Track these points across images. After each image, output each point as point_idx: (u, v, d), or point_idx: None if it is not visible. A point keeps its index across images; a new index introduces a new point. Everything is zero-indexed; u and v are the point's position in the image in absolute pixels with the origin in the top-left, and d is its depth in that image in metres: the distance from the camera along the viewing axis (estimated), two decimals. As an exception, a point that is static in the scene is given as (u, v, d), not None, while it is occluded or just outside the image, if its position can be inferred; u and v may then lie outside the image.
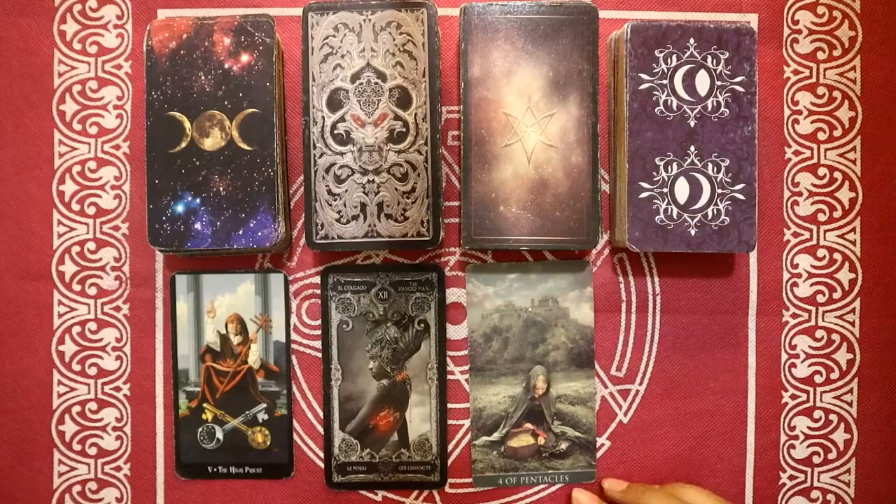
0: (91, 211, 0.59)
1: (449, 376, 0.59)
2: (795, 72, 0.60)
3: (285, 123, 0.59)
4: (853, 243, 0.60)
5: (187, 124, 0.55)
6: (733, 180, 0.55)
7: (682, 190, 0.55)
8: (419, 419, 0.59)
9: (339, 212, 0.55)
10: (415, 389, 0.59)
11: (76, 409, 0.59)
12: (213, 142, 0.55)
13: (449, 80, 0.59)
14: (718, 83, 0.55)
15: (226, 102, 0.55)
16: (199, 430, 0.59)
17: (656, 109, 0.55)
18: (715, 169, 0.55)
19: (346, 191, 0.55)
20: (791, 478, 0.60)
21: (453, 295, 0.59)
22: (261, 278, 0.59)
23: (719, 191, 0.55)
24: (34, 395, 0.59)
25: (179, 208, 0.55)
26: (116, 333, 0.59)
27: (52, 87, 0.59)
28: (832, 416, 0.60)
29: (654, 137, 0.55)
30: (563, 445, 0.59)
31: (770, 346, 0.60)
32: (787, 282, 0.60)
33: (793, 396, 0.60)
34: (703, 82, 0.55)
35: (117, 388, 0.59)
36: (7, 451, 0.59)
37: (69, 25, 0.59)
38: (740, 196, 0.55)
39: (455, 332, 0.59)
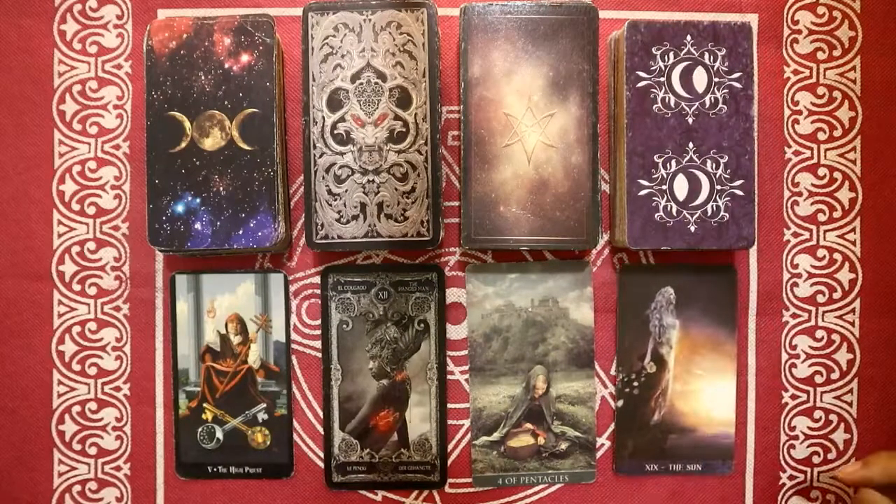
0: (91, 211, 0.59)
1: (449, 376, 0.59)
2: (795, 72, 0.60)
3: (285, 123, 0.59)
4: (853, 243, 0.60)
5: (187, 124, 0.55)
6: (732, 176, 0.55)
7: (681, 187, 0.55)
8: (419, 419, 0.59)
9: (339, 212, 0.55)
10: (415, 389, 0.59)
11: (76, 408, 0.59)
12: (213, 142, 0.55)
13: (449, 80, 0.59)
14: (716, 80, 0.55)
15: (226, 102, 0.55)
16: (199, 429, 0.59)
17: (654, 107, 0.55)
18: (713, 165, 0.55)
19: (346, 191, 0.55)
20: (791, 478, 0.60)
21: (453, 295, 0.59)
22: (261, 278, 0.59)
23: (718, 187, 0.55)
24: (34, 395, 0.59)
25: (179, 208, 0.55)
26: (116, 333, 0.59)
27: (53, 86, 0.59)
28: (832, 417, 0.60)
29: (652, 135, 0.55)
30: (563, 445, 0.59)
31: (770, 346, 0.60)
32: (787, 282, 0.60)
33: (793, 396, 0.60)
34: (700, 79, 0.55)
35: (117, 388, 0.59)
36: (7, 451, 0.59)
37: (69, 25, 0.59)
38: (739, 192, 0.55)
39: (455, 331, 0.59)
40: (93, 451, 0.59)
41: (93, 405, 0.59)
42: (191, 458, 0.59)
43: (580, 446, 0.59)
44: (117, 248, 0.59)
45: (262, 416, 0.59)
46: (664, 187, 0.55)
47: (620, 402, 0.59)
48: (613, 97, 0.58)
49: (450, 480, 0.60)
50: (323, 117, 0.55)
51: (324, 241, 0.55)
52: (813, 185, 0.60)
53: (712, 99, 0.55)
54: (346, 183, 0.55)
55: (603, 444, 0.60)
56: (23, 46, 0.59)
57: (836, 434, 0.60)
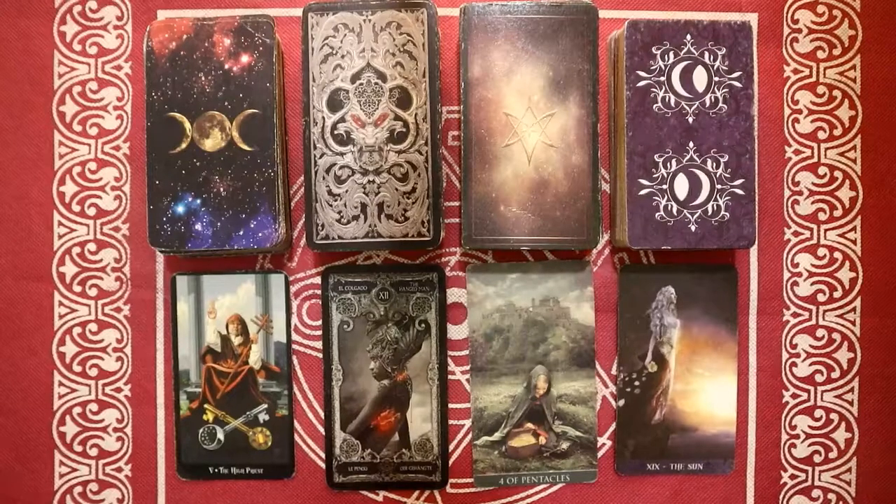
0: (91, 212, 0.59)
1: (450, 376, 0.59)
2: (795, 71, 0.60)
3: (285, 124, 0.59)
4: (853, 242, 0.60)
5: (187, 125, 0.55)
6: (732, 175, 0.55)
7: (681, 186, 0.55)
8: (420, 419, 0.59)
9: (339, 212, 0.55)
10: (416, 389, 0.59)
11: (77, 410, 0.59)
12: (213, 142, 0.55)
13: (449, 80, 0.59)
14: (716, 79, 0.55)
15: (226, 103, 0.55)
16: (200, 430, 0.59)
17: (654, 106, 0.55)
18: (714, 165, 0.55)
19: (347, 191, 0.55)
20: (792, 477, 0.60)
21: (454, 295, 0.59)
22: (261, 279, 0.59)
23: (719, 186, 0.55)
24: (35, 397, 0.59)
25: (180, 209, 0.55)
26: (117, 334, 0.59)
27: (53, 88, 0.59)
28: (833, 416, 0.60)
29: (652, 134, 0.55)
30: (565, 445, 0.59)
31: (771, 346, 0.60)
32: (787, 281, 0.60)
33: (794, 395, 0.60)
34: (700, 78, 0.55)
35: (118, 389, 0.59)
36: (8, 453, 0.59)
37: (69, 26, 0.59)
38: (739, 191, 0.55)
39: (456, 332, 0.59)
40: (94, 452, 0.59)
41: (94, 406, 0.59)
42: (192, 459, 0.59)
43: (581, 446, 0.59)
44: (118, 250, 0.59)
45: (263, 417, 0.59)
46: (664, 187, 0.55)
47: (621, 402, 0.59)
48: (613, 97, 0.58)
49: (451, 480, 0.60)
50: (323, 118, 0.55)
51: (324, 242, 0.55)
52: (813, 184, 0.60)
53: (712, 98, 0.55)
54: (346, 183, 0.55)
55: (604, 444, 0.60)
56: (23, 48, 0.59)
57: (838, 433, 0.60)
